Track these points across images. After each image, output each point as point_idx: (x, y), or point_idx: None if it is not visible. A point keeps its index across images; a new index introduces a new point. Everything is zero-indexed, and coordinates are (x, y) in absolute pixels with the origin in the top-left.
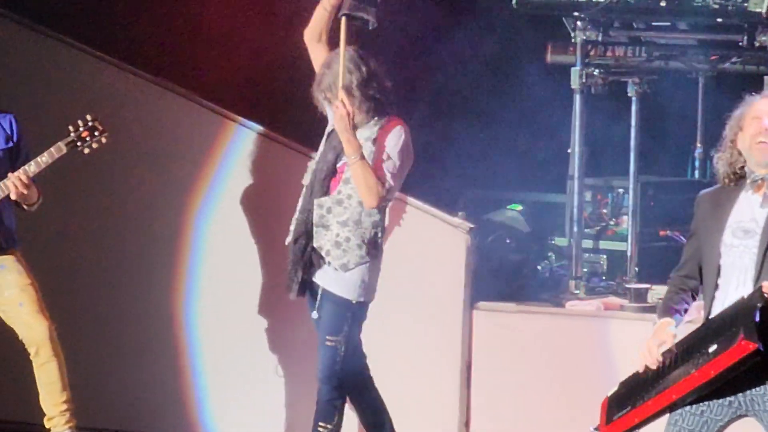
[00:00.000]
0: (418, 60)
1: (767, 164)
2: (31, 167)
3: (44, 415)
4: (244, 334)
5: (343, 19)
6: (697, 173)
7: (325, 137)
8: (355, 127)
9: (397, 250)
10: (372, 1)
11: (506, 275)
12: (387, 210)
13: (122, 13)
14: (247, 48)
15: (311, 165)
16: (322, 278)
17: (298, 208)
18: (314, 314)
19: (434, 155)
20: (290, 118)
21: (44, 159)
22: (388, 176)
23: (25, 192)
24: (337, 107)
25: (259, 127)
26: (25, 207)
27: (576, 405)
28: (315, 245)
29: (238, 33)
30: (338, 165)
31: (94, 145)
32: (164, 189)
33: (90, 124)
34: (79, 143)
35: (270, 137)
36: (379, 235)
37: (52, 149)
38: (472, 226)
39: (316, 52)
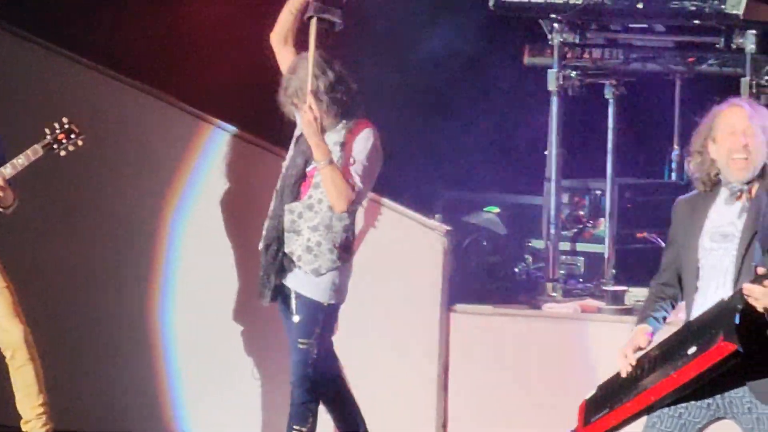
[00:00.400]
0: (394, 60)
1: (745, 179)
2: (7, 169)
3: (21, 418)
4: (219, 336)
5: (313, 22)
6: (674, 175)
7: (293, 142)
8: (323, 131)
9: (374, 253)
10: (337, 2)
11: (483, 277)
12: (358, 213)
13: (100, 16)
14: (225, 51)
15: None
16: (293, 281)
17: (269, 213)
18: (295, 318)
19: (411, 157)
20: (268, 120)
21: (20, 161)
22: (357, 180)
23: (1, 195)
24: (304, 112)
25: (235, 130)
26: (0, 210)
27: (553, 407)
28: (286, 251)
29: (217, 36)
30: (308, 169)
31: (71, 148)
32: (139, 191)
33: (66, 126)
34: (55, 146)
35: (247, 140)
36: (351, 239)
37: (28, 151)
38: (448, 228)
39: (283, 55)
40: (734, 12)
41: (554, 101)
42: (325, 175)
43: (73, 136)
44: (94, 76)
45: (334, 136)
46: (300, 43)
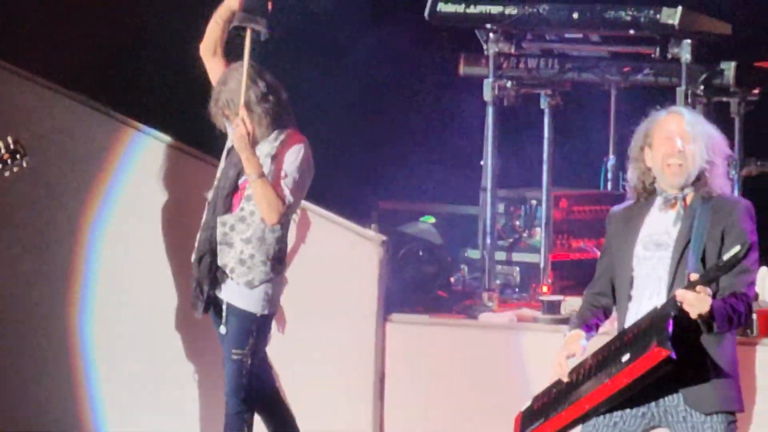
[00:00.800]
0: (329, 69)
1: (679, 185)
2: None
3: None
4: (149, 344)
5: (247, 33)
6: (609, 185)
7: (225, 153)
8: (255, 143)
9: (310, 263)
10: (263, 12)
11: (419, 287)
12: (293, 224)
13: (29, 22)
14: (157, 57)
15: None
16: (226, 293)
17: (202, 225)
18: (222, 329)
19: (346, 167)
20: (203, 129)
21: None
22: (288, 193)
23: None
24: (237, 125)
25: (161, 135)
26: None
27: (490, 417)
28: (219, 263)
29: (150, 42)
30: (240, 182)
31: (15, 169)
32: (58, 196)
33: (12, 147)
34: (0, 165)
35: (173, 146)
36: (284, 250)
37: None
38: (384, 238)
39: (213, 66)
40: (670, 22)
41: (490, 111)
42: (256, 189)
43: (18, 156)
44: (20, 82)
45: (266, 147)
46: (229, 54)
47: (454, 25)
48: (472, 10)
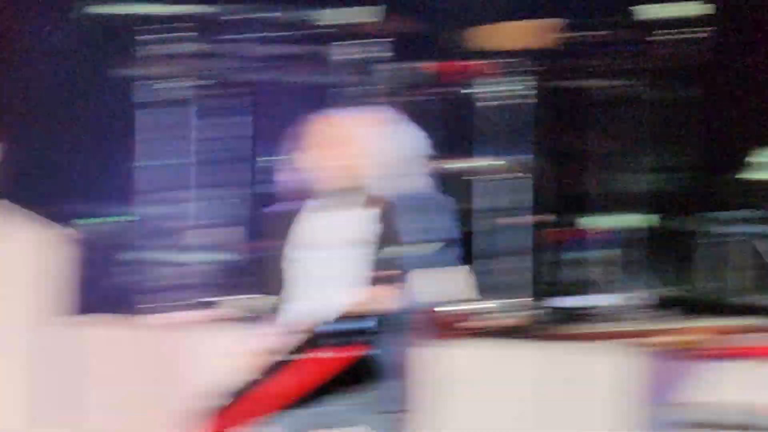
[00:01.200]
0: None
1: (340, 186)
2: None
3: None
4: None
5: None
6: (271, 186)
7: None
8: None
9: None
10: None
11: (87, 288)
12: None
13: None
14: None
15: None
16: None
17: None
18: None
19: (34, 166)
20: None
21: None
22: None
23: None
24: None
25: None
26: None
27: (161, 416)
28: None
29: None
30: None
31: None
32: None
33: None
34: None
35: None
36: None
37: None
38: (68, 237)
39: None
40: (356, 20)
41: (146, 112)
42: None
43: None
44: None
45: None
46: None
47: (105, 26)
48: (123, 10)
